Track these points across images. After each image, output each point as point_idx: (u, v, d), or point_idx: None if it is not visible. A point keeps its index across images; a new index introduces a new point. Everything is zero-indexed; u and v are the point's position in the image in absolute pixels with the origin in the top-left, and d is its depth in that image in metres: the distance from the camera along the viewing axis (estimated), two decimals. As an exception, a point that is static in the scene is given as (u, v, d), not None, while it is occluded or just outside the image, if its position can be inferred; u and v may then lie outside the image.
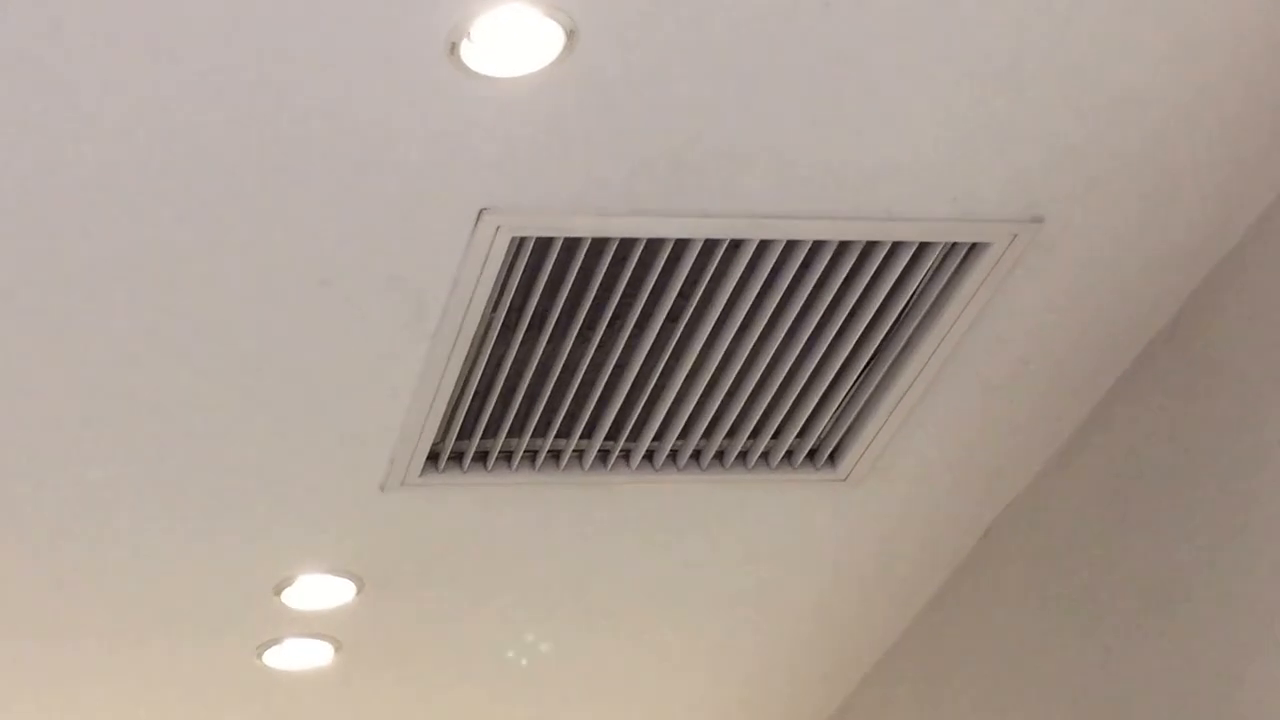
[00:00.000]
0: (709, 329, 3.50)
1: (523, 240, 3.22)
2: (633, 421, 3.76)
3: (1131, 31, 2.95)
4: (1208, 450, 3.48)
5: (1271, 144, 3.19)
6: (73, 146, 2.89)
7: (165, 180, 2.98)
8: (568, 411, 3.72)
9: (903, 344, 3.61)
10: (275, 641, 4.51)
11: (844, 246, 3.35)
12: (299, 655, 4.58)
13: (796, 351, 3.59)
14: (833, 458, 3.97)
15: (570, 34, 2.75)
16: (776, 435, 3.88)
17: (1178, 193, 3.28)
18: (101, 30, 2.68)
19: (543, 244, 3.25)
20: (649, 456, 3.91)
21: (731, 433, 3.85)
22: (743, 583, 4.37)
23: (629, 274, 3.34)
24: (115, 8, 2.65)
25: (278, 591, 4.25)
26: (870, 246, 3.35)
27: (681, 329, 3.51)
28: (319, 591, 4.28)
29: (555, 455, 3.87)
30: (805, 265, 3.39)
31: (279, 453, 3.74)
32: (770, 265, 3.35)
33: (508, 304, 3.38)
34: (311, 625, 4.44)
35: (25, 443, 3.63)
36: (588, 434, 3.80)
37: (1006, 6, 2.85)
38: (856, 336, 3.57)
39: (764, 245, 3.31)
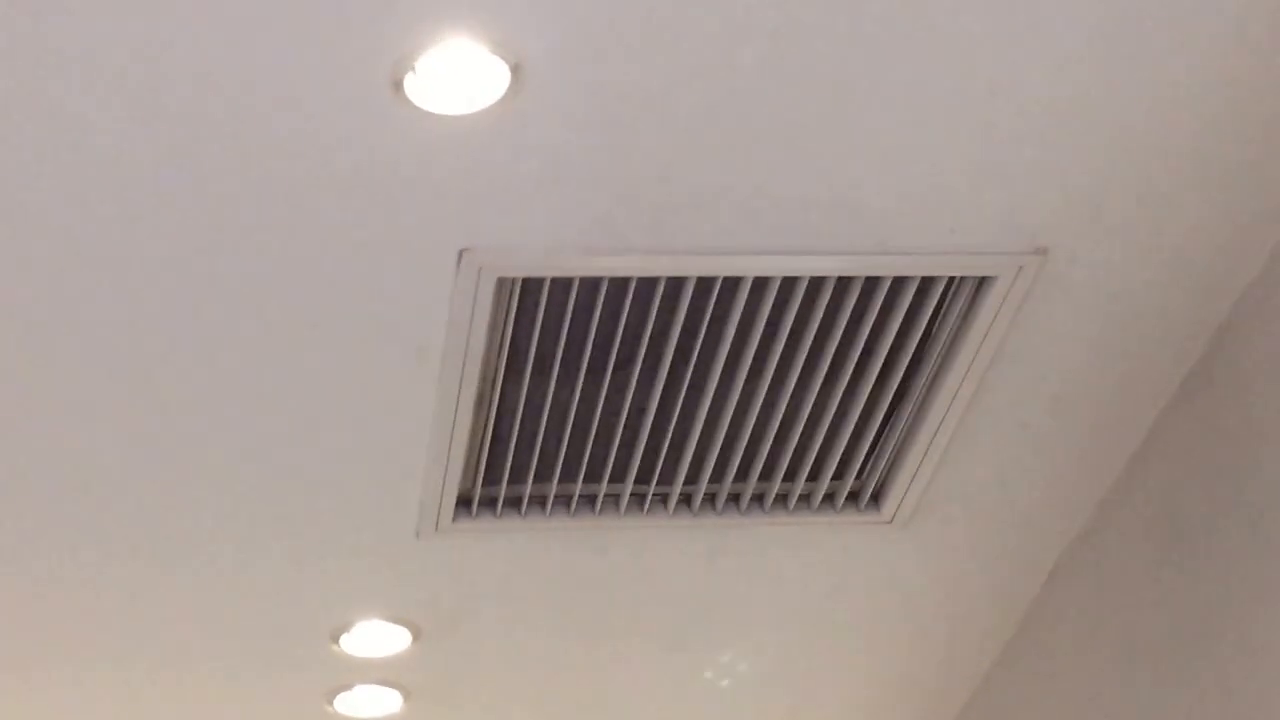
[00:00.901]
0: (720, 368, 3.44)
1: (512, 281, 3.19)
2: (660, 464, 3.71)
3: (1129, 57, 2.85)
4: (1251, 482, 3.35)
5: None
6: (64, 207, 2.94)
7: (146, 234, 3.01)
8: (593, 455, 3.69)
9: (926, 381, 3.53)
10: (345, 688, 4.53)
11: (845, 282, 3.27)
12: (369, 702, 4.59)
13: (815, 390, 3.52)
14: (876, 499, 3.88)
15: (515, 69, 2.71)
16: (813, 477, 3.80)
17: (1187, 221, 3.17)
18: (93, 96, 2.72)
19: (534, 285, 3.22)
20: (686, 500, 3.85)
21: (766, 475, 3.79)
22: (797, 630, 4.28)
23: (627, 313, 3.29)
24: (90, 74, 2.68)
25: (335, 639, 4.25)
26: (873, 282, 3.28)
27: (693, 368, 3.45)
28: (377, 639, 4.29)
29: (590, 500, 3.83)
30: (810, 301, 3.32)
31: (311, 503, 3.75)
32: (771, 301, 3.29)
33: (507, 346, 3.35)
34: (376, 673, 4.45)
35: (86, 510, 3.70)
36: (619, 478, 3.76)
37: (989, 36, 2.78)
38: (875, 374, 3.49)
39: (761, 282, 3.25)
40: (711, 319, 3.34)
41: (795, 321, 3.35)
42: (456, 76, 2.72)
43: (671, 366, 3.44)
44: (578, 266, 3.15)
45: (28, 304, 3.13)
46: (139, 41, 2.64)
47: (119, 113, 2.76)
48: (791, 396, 3.55)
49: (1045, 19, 2.77)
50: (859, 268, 3.21)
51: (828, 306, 3.32)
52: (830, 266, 3.20)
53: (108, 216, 2.96)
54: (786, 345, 3.41)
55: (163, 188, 2.92)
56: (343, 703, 4.56)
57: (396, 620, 4.21)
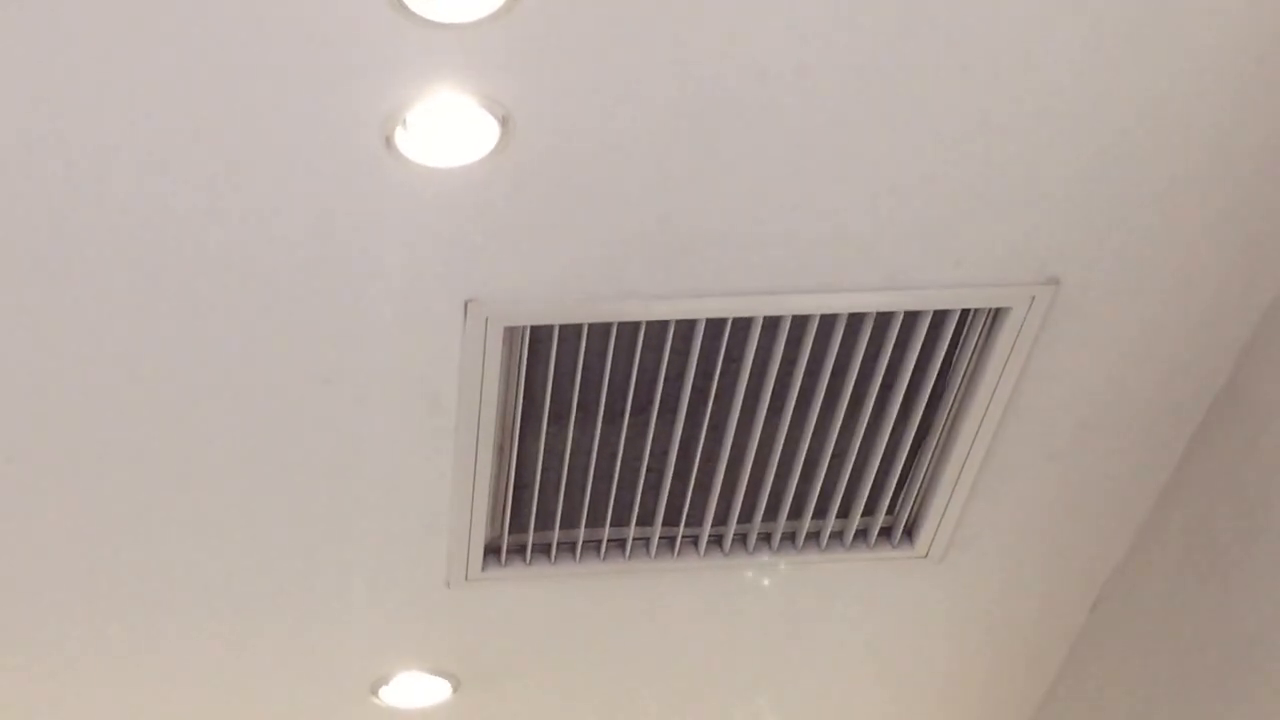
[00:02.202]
0: (738, 407, 3.42)
1: (521, 330, 3.18)
2: (687, 506, 3.68)
3: (1134, 82, 2.82)
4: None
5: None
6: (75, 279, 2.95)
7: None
8: (619, 499, 3.67)
9: (950, 413, 3.50)
10: (387, 740, 4.51)
11: (858, 318, 3.25)
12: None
13: (838, 425, 3.49)
14: (909, 534, 3.85)
15: (505, 121, 2.71)
16: (843, 514, 3.77)
17: (1201, 243, 3.13)
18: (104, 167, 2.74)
19: (544, 332, 3.21)
20: (717, 541, 3.82)
21: (795, 513, 3.75)
22: (836, 668, 4.24)
23: (640, 356, 3.28)
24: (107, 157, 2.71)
25: (374, 691, 4.24)
26: (886, 317, 3.25)
27: (711, 409, 3.43)
28: (416, 690, 4.27)
29: (619, 544, 3.81)
30: (825, 338, 3.29)
31: (341, 555, 3.75)
32: (784, 339, 3.26)
33: (522, 393, 3.34)
34: (418, 724, 4.44)
35: (120, 574, 3.72)
36: (646, 521, 3.74)
37: (990, 65, 2.75)
38: (897, 407, 3.46)
39: (772, 321, 3.23)
40: (726, 359, 3.32)
41: (811, 359, 3.33)
42: (447, 130, 2.72)
43: (690, 408, 3.42)
44: (585, 313, 3.14)
45: (65, 386, 3.16)
46: (133, 107, 2.65)
47: (117, 185, 2.77)
48: (814, 433, 3.52)
49: (1049, 48, 2.74)
50: (869, 304, 3.18)
51: (842, 343, 3.30)
52: (840, 304, 3.18)
53: (114, 295, 2.97)
54: (804, 382, 3.38)
55: (169, 253, 2.93)
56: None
57: (435, 671, 4.19)
